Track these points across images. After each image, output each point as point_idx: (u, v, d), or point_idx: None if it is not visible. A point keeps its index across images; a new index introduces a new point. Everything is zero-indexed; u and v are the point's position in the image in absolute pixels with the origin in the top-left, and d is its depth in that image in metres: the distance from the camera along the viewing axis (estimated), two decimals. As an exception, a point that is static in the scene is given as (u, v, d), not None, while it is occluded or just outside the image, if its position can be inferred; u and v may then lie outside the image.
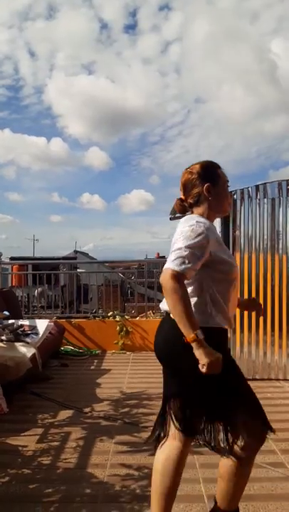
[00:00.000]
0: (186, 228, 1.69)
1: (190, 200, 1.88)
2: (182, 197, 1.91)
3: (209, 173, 1.86)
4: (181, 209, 1.91)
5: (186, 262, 1.60)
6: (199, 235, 1.66)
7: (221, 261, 1.73)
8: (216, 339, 1.69)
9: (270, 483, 2.38)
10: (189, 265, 1.60)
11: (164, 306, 1.83)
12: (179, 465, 1.82)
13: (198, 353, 1.56)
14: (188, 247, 1.62)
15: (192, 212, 1.88)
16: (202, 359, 1.56)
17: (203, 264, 1.67)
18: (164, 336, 1.89)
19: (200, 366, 1.56)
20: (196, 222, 1.71)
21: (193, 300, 1.69)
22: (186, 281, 1.64)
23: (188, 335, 1.57)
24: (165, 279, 1.59)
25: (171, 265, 1.60)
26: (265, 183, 4.54)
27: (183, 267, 1.59)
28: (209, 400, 1.72)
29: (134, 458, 2.71)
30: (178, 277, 1.58)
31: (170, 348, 1.83)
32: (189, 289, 1.69)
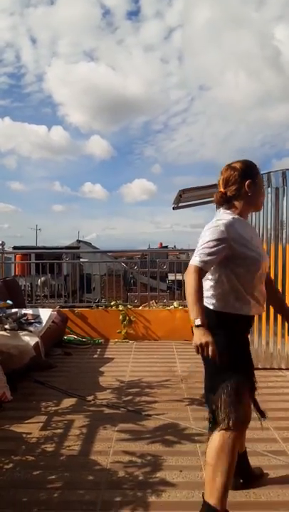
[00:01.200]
0: (209, 225, 1.95)
1: (230, 194, 2.05)
2: (222, 190, 2.07)
3: (250, 171, 2.06)
4: (221, 201, 2.07)
5: (203, 257, 1.86)
6: (218, 232, 1.89)
7: (242, 256, 1.92)
8: (231, 323, 1.94)
9: (272, 471, 2.39)
10: (206, 259, 1.85)
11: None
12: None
13: (194, 335, 1.80)
14: (206, 243, 1.87)
15: (228, 207, 2.05)
16: (193, 340, 1.79)
17: (225, 258, 1.90)
18: None
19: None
20: (217, 220, 1.94)
21: (216, 290, 1.95)
22: (211, 274, 1.94)
23: (191, 320, 1.80)
24: (187, 272, 1.89)
25: (192, 260, 1.88)
26: (269, 172, 4.50)
27: (199, 261, 1.85)
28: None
29: (137, 445, 2.73)
30: (195, 271, 1.85)
31: None
32: (213, 281, 1.96)
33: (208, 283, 1.96)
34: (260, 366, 4.49)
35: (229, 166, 2.08)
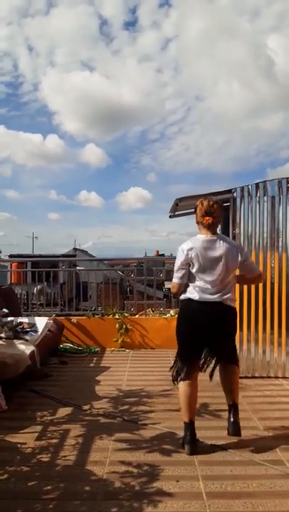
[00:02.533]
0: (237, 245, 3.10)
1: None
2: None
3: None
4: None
5: None
6: None
7: None
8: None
9: (269, 481, 2.38)
10: None
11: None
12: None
13: None
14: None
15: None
16: None
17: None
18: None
19: None
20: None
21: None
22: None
23: None
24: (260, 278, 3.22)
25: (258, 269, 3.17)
26: (265, 181, 4.54)
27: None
28: None
29: (134, 455, 2.71)
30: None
31: None
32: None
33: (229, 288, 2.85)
34: (256, 375, 4.49)
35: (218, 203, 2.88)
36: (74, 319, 6.10)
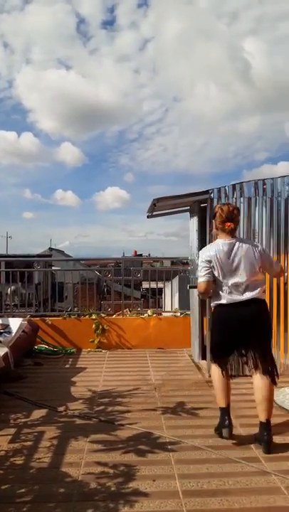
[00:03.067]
0: (261, 247, 3.07)
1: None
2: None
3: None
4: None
5: None
6: None
7: None
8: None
9: (245, 478, 2.40)
10: None
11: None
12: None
13: None
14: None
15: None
16: None
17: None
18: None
19: None
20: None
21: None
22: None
23: None
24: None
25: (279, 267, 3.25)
26: (241, 183, 4.59)
27: None
28: None
29: (110, 456, 2.68)
30: None
31: None
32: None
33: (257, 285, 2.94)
34: (233, 373, 4.51)
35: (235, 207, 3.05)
36: (48, 320, 6.01)
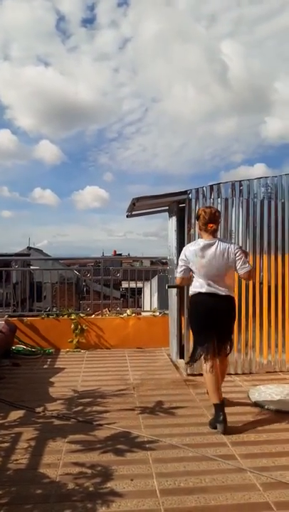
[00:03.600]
0: (237, 246, 3.32)
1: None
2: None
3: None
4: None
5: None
6: None
7: None
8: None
9: (221, 476, 2.44)
10: None
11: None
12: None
13: None
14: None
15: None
16: None
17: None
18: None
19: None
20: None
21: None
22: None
23: None
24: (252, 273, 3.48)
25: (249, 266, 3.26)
26: (219, 184, 4.66)
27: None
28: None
29: (88, 456, 2.68)
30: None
31: None
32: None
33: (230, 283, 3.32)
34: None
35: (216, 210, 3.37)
36: (27, 320, 5.95)
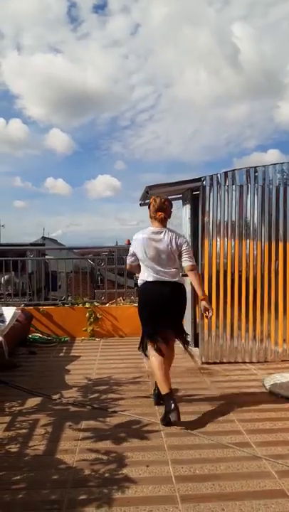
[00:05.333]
0: (183, 238, 3.26)
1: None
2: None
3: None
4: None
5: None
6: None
7: None
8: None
9: (236, 463, 2.44)
10: None
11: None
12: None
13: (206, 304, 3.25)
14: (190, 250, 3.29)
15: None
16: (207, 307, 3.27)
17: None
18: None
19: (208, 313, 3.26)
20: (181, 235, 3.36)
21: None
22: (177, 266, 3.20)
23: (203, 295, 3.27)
24: (194, 271, 3.26)
25: (192, 262, 3.22)
26: (233, 170, 4.59)
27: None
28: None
29: (103, 442, 2.71)
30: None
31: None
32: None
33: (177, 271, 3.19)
34: (224, 360, 4.59)
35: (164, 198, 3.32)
36: (42, 309, 6.02)
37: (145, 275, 3.21)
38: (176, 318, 3.25)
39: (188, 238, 5.08)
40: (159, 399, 3.21)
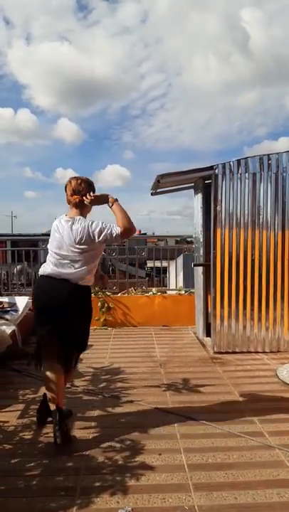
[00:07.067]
0: (96, 223, 2.65)
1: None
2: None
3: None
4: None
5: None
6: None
7: None
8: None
9: (249, 452, 2.44)
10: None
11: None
12: None
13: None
14: (106, 225, 2.65)
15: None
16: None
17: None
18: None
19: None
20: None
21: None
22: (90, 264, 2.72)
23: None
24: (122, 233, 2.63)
25: (116, 229, 2.60)
26: (246, 158, 4.51)
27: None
28: None
29: (116, 431, 2.73)
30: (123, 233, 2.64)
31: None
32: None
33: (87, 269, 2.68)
34: (237, 350, 4.57)
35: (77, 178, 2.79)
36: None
37: (45, 266, 2.73)
38: (75, 332, 2.72)
39: (200, 228, 5.04)
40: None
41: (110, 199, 2.70)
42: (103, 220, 2.65)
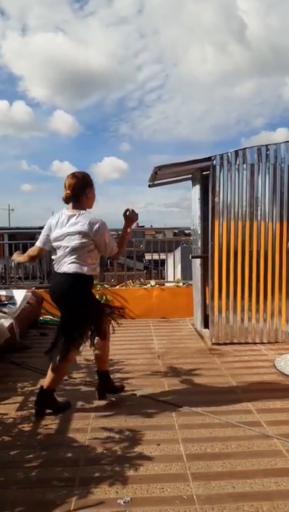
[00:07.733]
0: (100, 223, 2.82)
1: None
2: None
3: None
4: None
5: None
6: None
7: None
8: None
9: (247, 442, 2.45)
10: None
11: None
12: None
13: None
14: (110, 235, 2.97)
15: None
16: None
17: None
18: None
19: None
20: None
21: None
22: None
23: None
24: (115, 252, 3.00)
25: (114, 247, 2.94)
26: (244, 149, 4.49)
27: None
28: None
29: (115, 421, 2.74)
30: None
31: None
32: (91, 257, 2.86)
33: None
34: (235, 341, 4.58)
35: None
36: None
37: (54, 263, 2.90)
38: (71, 322, 2.90)
39: (198, 220, 5.02)
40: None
41: (128, 234, 3.21)
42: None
